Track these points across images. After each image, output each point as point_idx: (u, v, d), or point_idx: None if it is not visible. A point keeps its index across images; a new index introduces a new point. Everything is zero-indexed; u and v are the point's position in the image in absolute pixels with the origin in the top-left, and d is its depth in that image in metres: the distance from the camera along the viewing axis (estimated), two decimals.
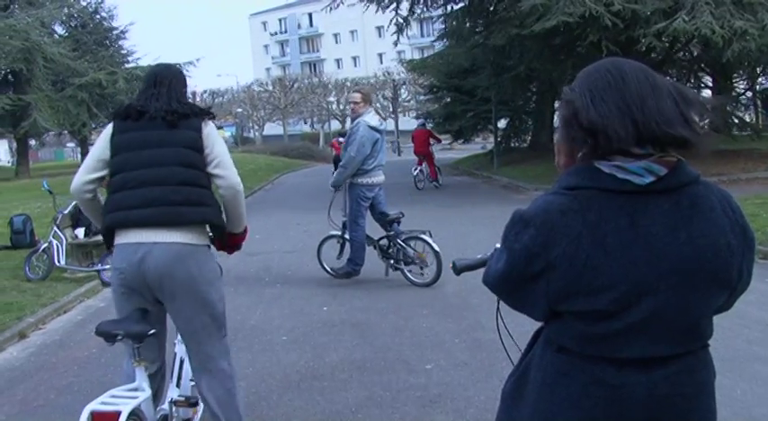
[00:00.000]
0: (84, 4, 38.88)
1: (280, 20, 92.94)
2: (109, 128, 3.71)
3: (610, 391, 1.74)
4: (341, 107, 68.42)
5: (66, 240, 9.67)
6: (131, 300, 3.65)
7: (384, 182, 8.73)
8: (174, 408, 3.94)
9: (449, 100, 33.50)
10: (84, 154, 43.32)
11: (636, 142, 1.66)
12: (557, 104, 29.72)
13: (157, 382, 3.83)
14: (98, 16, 39.77)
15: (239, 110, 70.59)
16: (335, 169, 23.14)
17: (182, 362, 4.15)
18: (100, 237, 9.54)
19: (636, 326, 1.70)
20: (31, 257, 9.70)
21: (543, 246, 1.72)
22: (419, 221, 13.72)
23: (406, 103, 65.69)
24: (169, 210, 3.51)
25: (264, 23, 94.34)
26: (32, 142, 43.00)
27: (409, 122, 64.02)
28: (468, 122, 31.68)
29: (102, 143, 3.69)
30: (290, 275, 9.33)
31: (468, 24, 23.14)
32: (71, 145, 66.92)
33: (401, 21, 23.23)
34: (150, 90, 3.73)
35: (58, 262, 9.43)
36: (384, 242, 8.75)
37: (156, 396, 3.78)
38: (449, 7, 23.57)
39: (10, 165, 49.36)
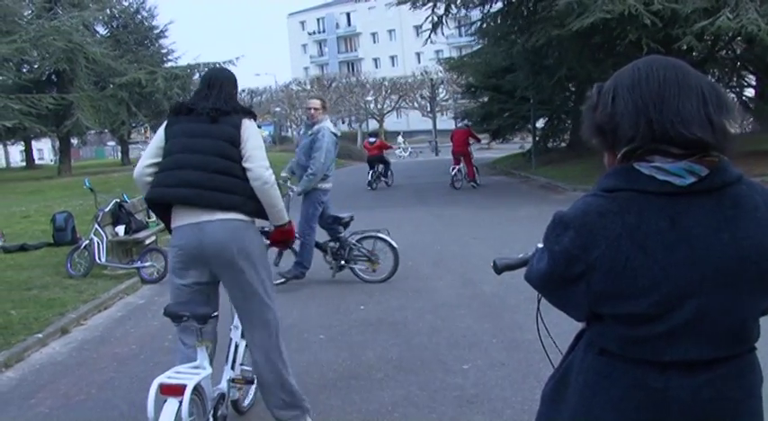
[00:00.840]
0: (125, 4, 39.39)
1: (318, 19, 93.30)
2: (165, 122, 4.24)
3: (652, 395, 1.71)
4: (378, 106, 68.46)
5: (107, 238, 9.79)
6: (187, 275, 4.06)
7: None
8: (230, 388, 4.34)
9: (486, 99, 33.33)
10: (125, 152, 43.99)
11: (649, 141, 1.65)
12: None
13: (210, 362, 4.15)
14: (139, 16, 40.29)
15: (277, 109, 70.91)
16: (371, 170, 23.26)
17: (236, 346, 4.48)
18: (139, 235, 9.85)
19: (679, 329, 1.67)
20: (72, 254, 9.84)
21: (583, 248, 1.70)
22: (456, 221, 13.73)
23: (443, 103, 65.55)
24: (204, 194, 3.93)
25: (303, 23, 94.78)
26: (74, 141, 43.59)
27: (447, 122, 63.94)
28: (505, 122, 31.51)
29: (159, 134, 4.20)
30: (328, 274, 9.33)
31: (507, 24, 23.01)
32: (111, 143, 67.82)
33: (436, 19, 23.14)
34: (204, 91, 4.21)
35: (99, 259, 9.55)
36: (334, 244, 8.91)
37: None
38: (486, 7, 23.44)
39: (53, 163, 50.15)
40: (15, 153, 65.00)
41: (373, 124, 66.47)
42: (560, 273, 1.77)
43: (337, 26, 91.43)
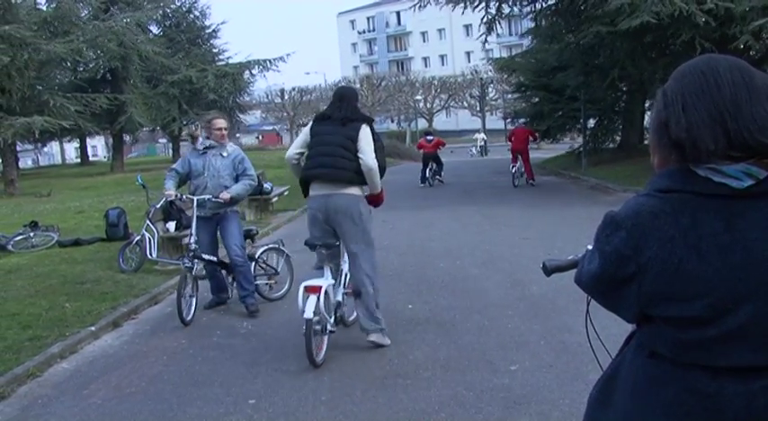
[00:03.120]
0: (178, 3, 39.87)
1: (368, 18, 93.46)
2: (310, 124, 6.41)
3: (704, 400, 1.67)
4: (428, 105, 68.34)
5: (158, 233, 9.92)
6: (318, 225, 6.21)
7: None
8: (343, 299, 6.49)
9: (537, 99, 33.04)
10: (176, 149, 44.65)
11: (727, 151, 1.60)
12: (647, 104, 28.95)
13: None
14: (191, 15, 40.75)
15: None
16: (425, 168, 23.32)
17: (345, 274, 6.58)
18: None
19: (732, 334, 1.63)
20: (124, 249, 10.00)
21: (634, 248, 1.67)
22: (505, 220, 13.66)
23: (493, 102, 65.20)
24: (333, 172, 6.04)
25: (352, 22, 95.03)
26: (127, 138, 44.28)
27: (496, 121, 63.52)
28: (556, 122, 31.20)
29: (305, 131, 6.38)
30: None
31: (557, 22, 22.80)
32: (163, 141, 68.76)
33: (489, 20, 22.99)
34: (336, 103, 6.31)
35: (150, 254, 9.68)
36: None
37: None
38: (537, 5, 23.25)
39: (106, 160, 51.03)
40: (70, 149, 66.35)
41: (422, 123, 66.32)
42: (611, 273, 1.74)
43: (387, 25, 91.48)
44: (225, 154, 7.71)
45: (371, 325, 6.18)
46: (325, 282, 5.98)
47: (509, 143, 23.02)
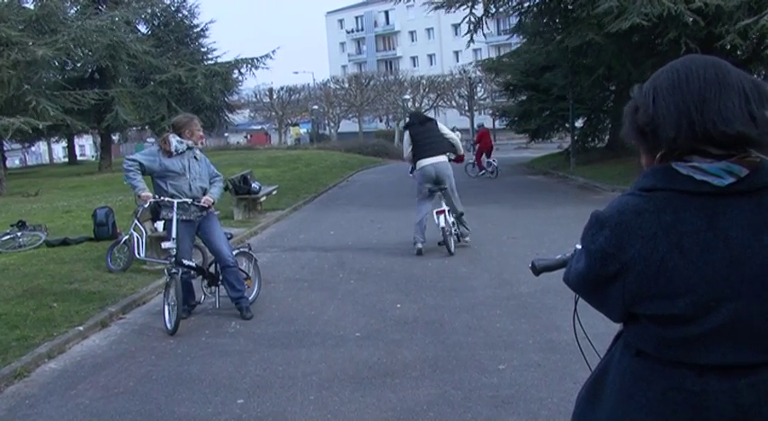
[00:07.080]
0: (167, 2, 39.68)
1: (356, 18, 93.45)
2: (408, 131, 10.88)
3: (690, 398, 1.69)
4: (416, 105, 68.31)
5: (146, 233, 9.88)
6: (431, 179, 10.42)
7: None
8: (452, 222, 10.59)
9: (525, 98, 33.09)
10: None
11: (691, 142, 1.64)
12: None
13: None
14: (180, 14, 40.58)
15: (315, 107, 71.05)
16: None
17: (448, 210, 10.56)
18: None
19: (716, 332, 1.65)
20: (112, 249, 9.96)
21: (618, 247, 1.69)
22: (493, 220, 13.68)
23: (481, 102, 65.25)
24: (435, 149, 10.46)
25: (341, 21, 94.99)
26: (115, 137, 44.05)
27: (485, 121, 63.62)
28: (544, 121, 31.26)
29: (407, 136, 10.85)
30: (364, 272, 9.37)
31: (544, 21, 22.83)
32: (151, 140, 68.51)
33: (474, 20, 22.98)
34: (414, 118, 11.18)
35: (138, 254, 9.65)
36: (214, 268, 7.81)
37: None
38: (524, 5, 23.25)
39: (94, 159, 50.78)
40: (58, 149, 65.98)
41: None
42: (596, 272, 1.76)
43: (375, 24, 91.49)
44: (198, 156, 7.54)
45: (466, 232, 10.90)
46: (445, 207, 10.42)
47: (476, 145, 26.20)
